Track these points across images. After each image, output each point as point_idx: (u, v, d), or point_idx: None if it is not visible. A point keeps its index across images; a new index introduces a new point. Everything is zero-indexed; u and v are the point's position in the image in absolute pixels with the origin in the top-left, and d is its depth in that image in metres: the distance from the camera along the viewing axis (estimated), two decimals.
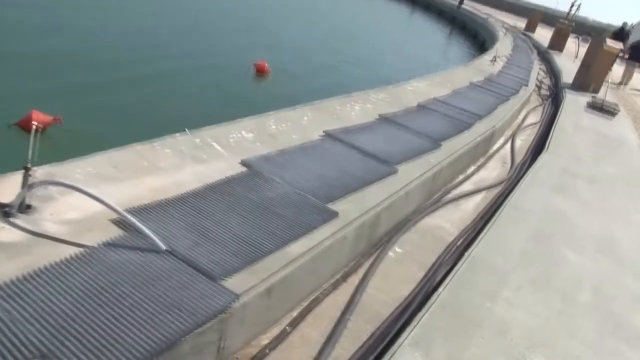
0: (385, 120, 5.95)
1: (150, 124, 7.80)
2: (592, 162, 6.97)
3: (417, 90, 7.95)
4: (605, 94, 12.29)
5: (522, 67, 14.15)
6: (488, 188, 5.99)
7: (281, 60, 14.71)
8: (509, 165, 7.07)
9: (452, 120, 6.64)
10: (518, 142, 8.43)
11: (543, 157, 6.49)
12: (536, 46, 23.38)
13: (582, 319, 3.18)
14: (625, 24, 21.62)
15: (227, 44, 15.29)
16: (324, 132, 5.02)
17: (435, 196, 5.31)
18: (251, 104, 10.88)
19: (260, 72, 12.65)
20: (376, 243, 4.13)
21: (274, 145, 4.48)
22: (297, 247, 3.13)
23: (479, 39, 33.14)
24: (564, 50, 22.01)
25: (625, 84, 18.23)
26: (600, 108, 11.23)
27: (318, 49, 18.29)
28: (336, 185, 3.97)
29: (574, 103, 11.37)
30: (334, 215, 3.52)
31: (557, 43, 22.01)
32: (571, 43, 22.99)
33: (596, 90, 13.22)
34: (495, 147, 7.66)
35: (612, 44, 13.07)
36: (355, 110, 6.15)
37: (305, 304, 3.28)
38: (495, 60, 13.69)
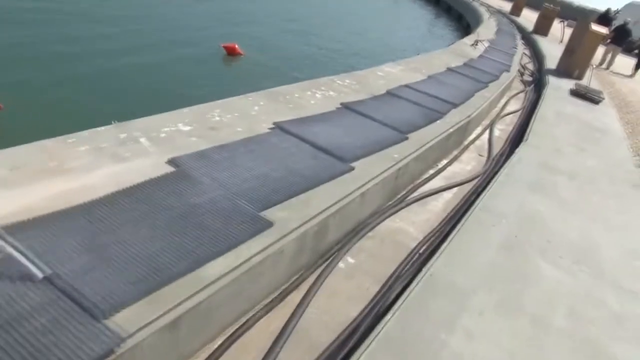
0: (347, 109, 5.40)
1: (106, 113, 7.21)
2: (573, 154, 6.50)
3: (388, 76, 7.40)
4: (590, 80, 11.84)
5: (505, 51, 13.64)
6: (460, 184, 5.49)
7: (259, 42, 14.04)
8: (485, 158, 6.56)
9: (423, 109, 6.11)
10: (497, 131, 7.95)
11: (521, 150, 6.01)
12: (521, 30, 22.87)
13: (554, 350, 2.70)
14: (609, 9, 21.14)
15: (201, 26, 14.53)
16: (273, 123, 4.46)
17: (399, 195, 4.80)
18: (219, 88, 10.27)
19: (231, 53, 11.97)
20: (324, 253, 3.61)
21: (213, 140, 3.93)
22: (216, 267, 2.61)
23: (463, 22, 32.61)
24: (549, 35, 21.52)
25: (607, 68, 17.85)
26: (584, 95, 10.77)
27: (297, 32, 17.57)
28: (279, 188, 3.44)
29: (557, 90, 10.90)
30: (267, 225, 2.99)
31: (542, 27, 21.51)
32: (557, 27, 22.51)
33: (580, 76, 12.78)
34: (471, 138, 7.17)
35: (597, 28, 12.58)
36: (316, 98, 5.59)
37: (229, 332, 2.76)
38: (476, 44, 13.17)
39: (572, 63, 12.79)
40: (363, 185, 3.93)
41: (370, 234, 4.09)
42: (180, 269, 2.50)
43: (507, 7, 34.53)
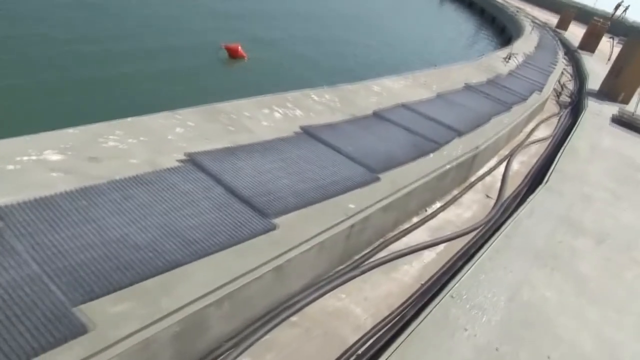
0: (307, 135, 4.21)
1: (101, 111, 6.36)
2: (606, 204, 5.10)
3: (385, 92, 6.16)
4: (637, 106, 10.25)
5: (542, 68, 12.14)
6: (449, 240, 4.21)
7: (268, 44, 12.99)
8: (493, 201, 5.24)
9: (415, 137, 4.86)
10: (516, 164, 6.58)
11: (537, 197, 4.67)
12: (565, 45, 21.11)
13: None
14: None
15: (204, 27, 13.56)
16: (186, 154, 3.31)
17: (356, 257, 3.57)
18: (220, 91, 9.25)
19: (233, 55, 10.92)
20: (211, 352, 2.44)
21: (84, 177, 2.83)
22: None
23: (506, 34, 30.89)
24: (597, 52, 19.70)
25: None
26: (628, 124, 9.21)
27: (313, 36, 16.45)
28: (130, 262, 2.28)
29: (596, 115, 9.39)
30: (79, 329, 1.84)
31: (589, 43, 19.73)
32: (606, 44, 20.65)
33: (626, 101, 11.17)
34: (480, 173, 5.85)
35: None
36: (273, 118, 4.43)
37: None
38: (509, 58, 11.72)
39: (618, 85, 11.21)
40: (283, 254, 2.73)
41: (294, 318, 2.88)
42: None
43: (554, 20, 32.58)
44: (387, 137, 4.71)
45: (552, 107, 10.73)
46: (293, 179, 3.45)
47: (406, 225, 4.24)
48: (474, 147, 5.30)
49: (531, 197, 4.65)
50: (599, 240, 4.23)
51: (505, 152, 6.94)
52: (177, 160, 3.29)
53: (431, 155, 4.68)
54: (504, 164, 6.52)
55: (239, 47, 11.03)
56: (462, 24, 35.46)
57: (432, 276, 3.69)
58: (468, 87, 7.74)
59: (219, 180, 3.17)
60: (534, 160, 7.03)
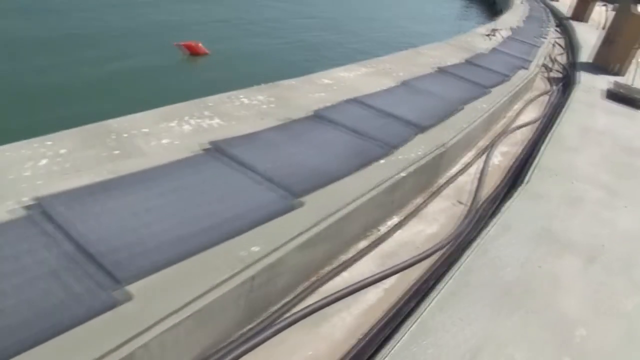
0: (215, 153, 3.34)
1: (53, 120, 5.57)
2: (599, 206, 4.22)
3: (338, 84, 5.29)
4: (634, 77, 9.30)
5: (529, 42, 11.19)
6: (403, 269, 3.35)
7: (230, 40, 12.06)
8: (465, 208, 4.38)
9: (362, 141, 4.00)
10: (497, 157, 5.69)
11: (514, 203, 3.80)
12: (557, 15, 20.03)
13: None
14: None
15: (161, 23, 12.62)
16: (34, 199, 2.46)
17: (267, 312, 2.72)
18: (180, 92, 8.36)
19: (194, 53, 10.01)
20: None
21: None
22: None
23: (496, 9, 29.76)
24: (590, 20, 18.63)
25: None
26: (625, 98, 8.29)
27: (290, 25, 15.47)
28: None
29: (588, 91, 8.47)
30: None
31: (581, 11, 18.67)
32: (599, 11, 19.56)
33: (621, 72, 10.22)
34: (451, 172, 4.97)
35: None
36: (180, 132, 3.56)
37: None
38: (492, 34, 10.76)
39: (611, 55, 10.26)
40: (136, 336, 1.90)
41: None
42: None
43: None
44: (324, 144, 3.84)
45: (542, 84, 9.80)
46: (177, 219, 2.59)
47: (346, 256, 3.37)
48: (439, 145, 4.42)
49: (506, 204, 3.78)
50: (589, 257, 3.36)
51: (485, 142, 6.05)
52: (19, 208, 2.42)
53: (382, 161, 3.80)
54: (483, 157, 5.63)
55: (199, 44, 10.11)
56: (450, 3, 34.24)
57: (373, 327, 2.84)
58: (441, 71, 6.83)
59: (67, 233, 2.31)
60: (520, 150, 6.14)
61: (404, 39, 16.75)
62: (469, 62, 7.80)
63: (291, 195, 3.08)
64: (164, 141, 3.43)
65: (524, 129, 7.00)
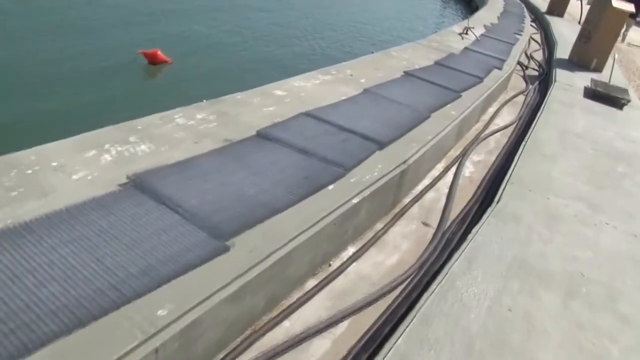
0: (133, 188, 2.85)
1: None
2: (579, 226, 3.79)
3: (291, 96, 4.83)
4: (611, 73, 8.96)
5: (504, 39, 10.83)
6: (351, 314, 2.90)
7: (192, 45, 11.52)
8: (431, 231, 3.93)
9: (311, 162, 3.55)
10: (469, 168, 5.26)
11: (482, 229, 3.35)
12: (533, 11, 19.78)
13: None
14: None
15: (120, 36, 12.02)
16: None
17: None
18: (138, 104, 7.81)
19: (153, 61, 9.46)
20: None
21: None
22: None
23: (472, 5, 29.48)
24: (565, 15, 18.40)
25: (622, 41, 14.74)
26: (604, 96, 7.93)
27: (253, 28, 14.96)
28: None
29: (566, 89, 8.10)
30: None
31: (558, 5, 18.42)
32: (576, 5, 19.35)
33: (599, 68, 9.90)
34: (418, 189, 4.53)
35: (620, 3, 9.64)
36: (97, 163, 3.07)
37: None
38: (465, 33, 10.38)
39: (589, 51, 9.93)
40: None
41: None
42: None
43: None
44: (267, 169, 3.36)
45: (518, 83, 9.42)
46: (68, 279, 2.10)
47: (289, 301, 2.90)
48: (400, 162, 3.96)
49: (473, 231, 3.33)
50: (568, 291, 2.93)
51: (456, 151, 5.62)
52: None
53: (330, 187, 3.33)
54: (453, 168, 5.19)
55: (158, 52, 9.57)
56: (425, 1, 33.93)
57: None
58: (407, 75, 6.39)
59: None
60: (494, 159, 5.71)
61: (378, 40, 16.34)
62: (439, 64, 7.38)
63: (218, 236, 2.61)
64: (75, 177, 2.93)
65: (498, 134, 6.58)
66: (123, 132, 3.56)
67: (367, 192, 3.51)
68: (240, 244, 2.66)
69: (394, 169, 3.90)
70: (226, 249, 2.57)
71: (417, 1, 30.58)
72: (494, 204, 3.79)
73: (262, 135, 3.82)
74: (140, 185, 2.92)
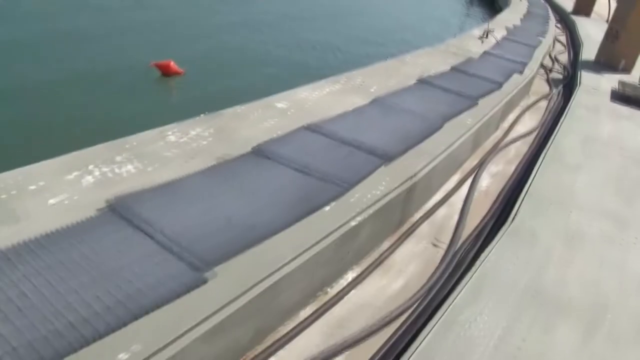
0: (112, 214, 2.68)
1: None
2: (604, 246, 3.46)
3: (295, 107, 4.61)
4: None
5: (526, 42, 10.42)
6: (349, 347, 2.65)
7: (205, 57, 11.44)
8: (441, 253, 3.65)
9: (309, 180, 3.37)
10: (485, 180, 4.95)
11: (495, 250, 3.06)
12: (558, 11, 19.18)
13: None
14: None
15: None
16: None
17: None
18: (153, 115, 7.73)
19: (166, 73, 9.40)
20: None
21: None
22: None
23: (496, 7, 28.88)
24: (593, 14, 17.76)
25: None
26: (631, 99, 7.49)
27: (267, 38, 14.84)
28: None
29: (592, 93, 7.69)
30: None
31: (584, 5, 17.79)
32: (603, 4, 18.66)
33: (628, 69, 9.40)
34: (429, 205, 4.25)
35: None
36: (78, 186, 2.90)
37: None
38: (485, 36, 10.01)
39: (617, 51, 9.46)
40: None
41: None
42: None
43: None
44: (262, 189, 3.14)
45: (542, 88, 9.02)
46: (35, 314, 1.91)
47: (281, 332, 2.67)
48: (407, 177, 3.70)
49: (485, 252, 3.04)
50: (590, 324, 2.62)
51: (472, 162, 5.31)
52: None
53: (327, 207, 3.09)
54: (469, 181, 4.89)
55: (171, 63, 9.50)
56: (451, 1, 33.43)
57: None
58: (422, 82, 6.11)
59: None
60: (513, 169, 5.38)
61: (402, 44, 16.03)
62: (455, 69, 7.07)
63: (197, 267, 2.39)
64: (52, 201, 2.76)
65: (519, 142, 6.23)
66: (111, 151, 3.39)
67: (369, 212, 3.26)
68: (224, 273, 2.44)
69: (401, 184, 3.64)
70: (204, 281, 2.34)
71: (440, 4, 30.14)
72: (509, 222, 3.49)
73: (258, 152, 3.60)
74: (119, 210, 2.73)
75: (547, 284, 2.87)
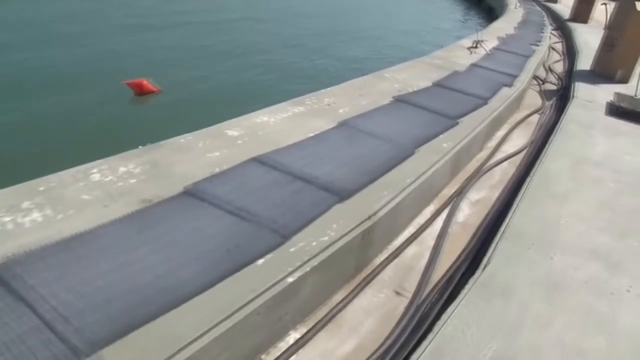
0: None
1: None
2: (592, 298, 2.97)
3: (248, 135, 4.15)
4: (637, 85, 8.01)
5: (519, 52, 9.98)
6: None
7: (182, 75, 11.04)
8: (404, 304, 3.17)
9: (244, 226, 2.91)
10: (465, 210, 4.47)
11: (456, 313, 2.57)
12: (555, 19, 18.75)
13: None
14: None
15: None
16: None
17: None
18: (127, 139, 7.30)
19: (140, 92, 8.98)
20: None
21: None
22: None
23: (493, 15, 28.53)
24: (590, 21, 17.31)
25: None
26: (628, 112, 7.00)
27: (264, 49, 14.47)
28: None
29: (586, 106, 7.21)
30: None
31: (582, 11, 17.38)
32: (601, 10, 18.19)
33: (625, 79, 8.92)
34: (397, 242, 3.78)
35: None
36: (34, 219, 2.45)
37: None
38: (475, 47, 9.57)
39: (613, 60, 9.00)
40: None
41: None
42: None
43: None
44: (185, 240, 2.68)
45: (535, 100, 8.55)
46: None
47: None
48: (364, 218, 3.22)
49: (446, 313, 2.56)
50: None
51: (451, 189, 4.83)
52: None
53: (260, 261, 2.62)
54: (445, 212, 4.41)
55: (144, 81, 9.08)
56: (449, 10, 33.11)
57: None
58: (398, 101, 5.65)
59: None
60: (497, 195, 4.90)
61: (394, 56, 15.61)
62: (438, 85, 6.62)
63: (83, 349, 1.91)
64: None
65: (505, 163, 5.75)
66: (18, 195, 2.94)
67: (313, 263, 2.79)
68: (114, 355, 1.96)
69: (357, 226, 3.17)
70: None
71: (439, 11, 29.79)
72: (480, 270, 3.00)
73: (190, 193, 3.14)
74: (2, 274, 2.27)
75: (517, 354, 2.38)
